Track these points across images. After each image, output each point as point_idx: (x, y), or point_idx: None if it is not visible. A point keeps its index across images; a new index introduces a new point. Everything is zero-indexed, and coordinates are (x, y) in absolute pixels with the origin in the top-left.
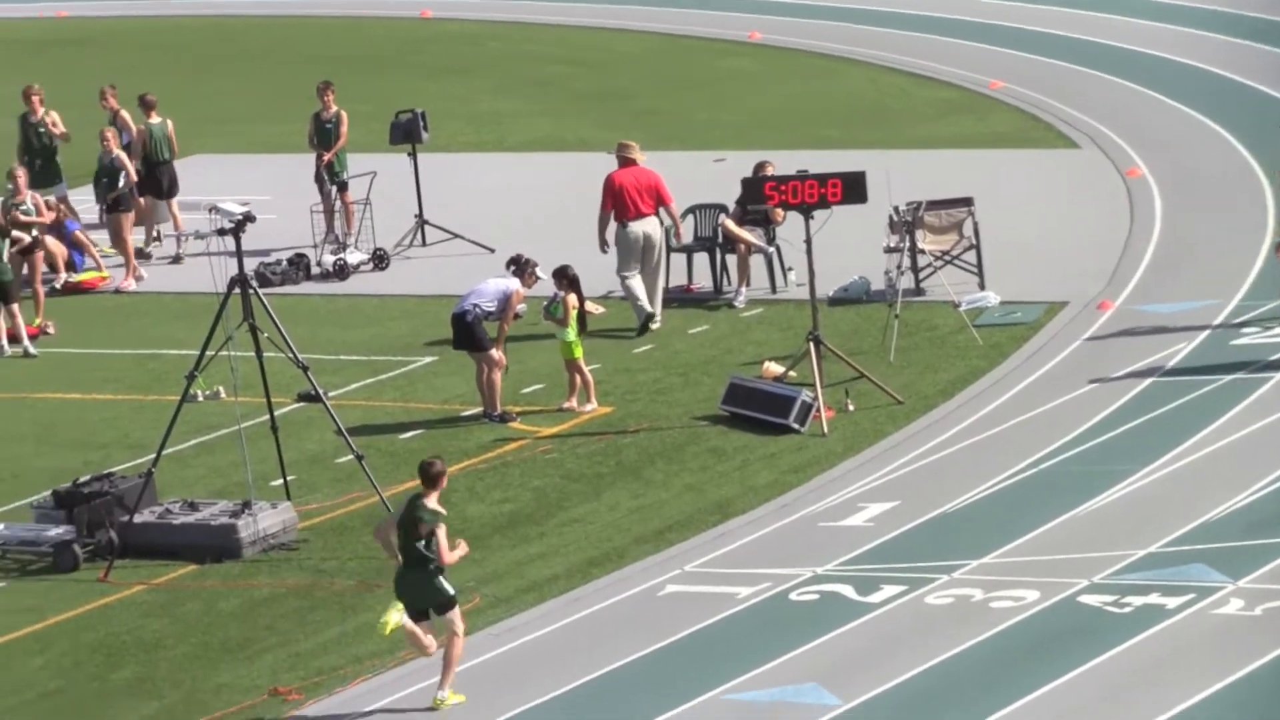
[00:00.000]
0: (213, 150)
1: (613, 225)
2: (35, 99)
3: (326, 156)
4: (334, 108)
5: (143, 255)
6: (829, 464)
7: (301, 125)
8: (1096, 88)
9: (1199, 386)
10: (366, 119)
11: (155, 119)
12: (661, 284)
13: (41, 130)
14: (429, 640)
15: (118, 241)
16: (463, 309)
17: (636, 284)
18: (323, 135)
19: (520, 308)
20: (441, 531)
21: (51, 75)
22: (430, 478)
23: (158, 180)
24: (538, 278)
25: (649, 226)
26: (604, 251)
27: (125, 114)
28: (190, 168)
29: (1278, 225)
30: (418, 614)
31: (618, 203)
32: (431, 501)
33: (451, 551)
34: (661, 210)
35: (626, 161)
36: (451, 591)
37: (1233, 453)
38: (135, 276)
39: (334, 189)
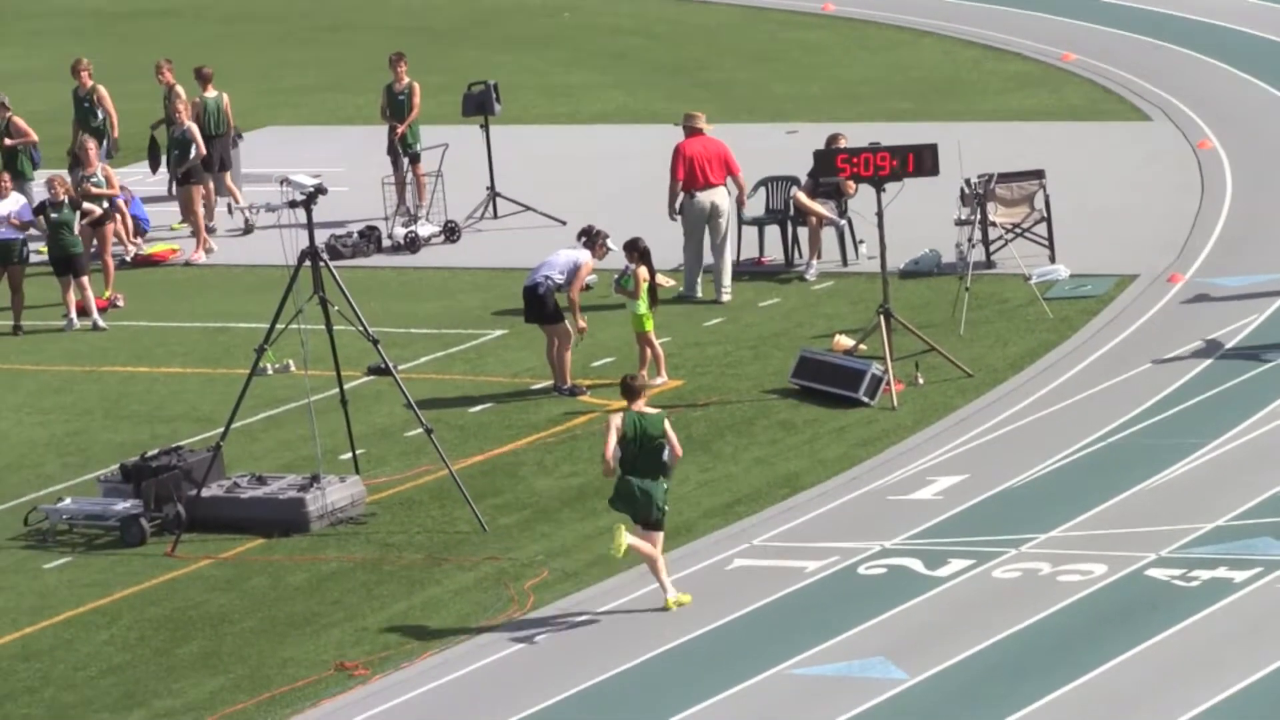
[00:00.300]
0: (286, 122)
1: (681, 195)
2: (84, 73)
3: (400, 129)
4: (406, 79)
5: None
6: (898, 437)
7: (374, 98)
8: (1168, 60)
9: (1267, 360)
10: (439, 91)
11: (211, 93)
12: (730, 255)
13: (87, 105)
14: (652, 549)
15: (188, 214)
16: (534, 281)
17: (694, 261)
18: (395, 107)
19: (591, 279)
20: (669, 427)
21: (129, 46)
22: (633, 391)
23: (210, 155)
24: (609, 249)
25: (717, 196)
26: (674, 219)
27: (180, 89)
28: (263, 140)
29: None
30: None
31: (687, 172)
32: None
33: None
34: (729, 180)
35: (693, 131)
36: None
37: None
38: (205, 249)
39: (406, 161)
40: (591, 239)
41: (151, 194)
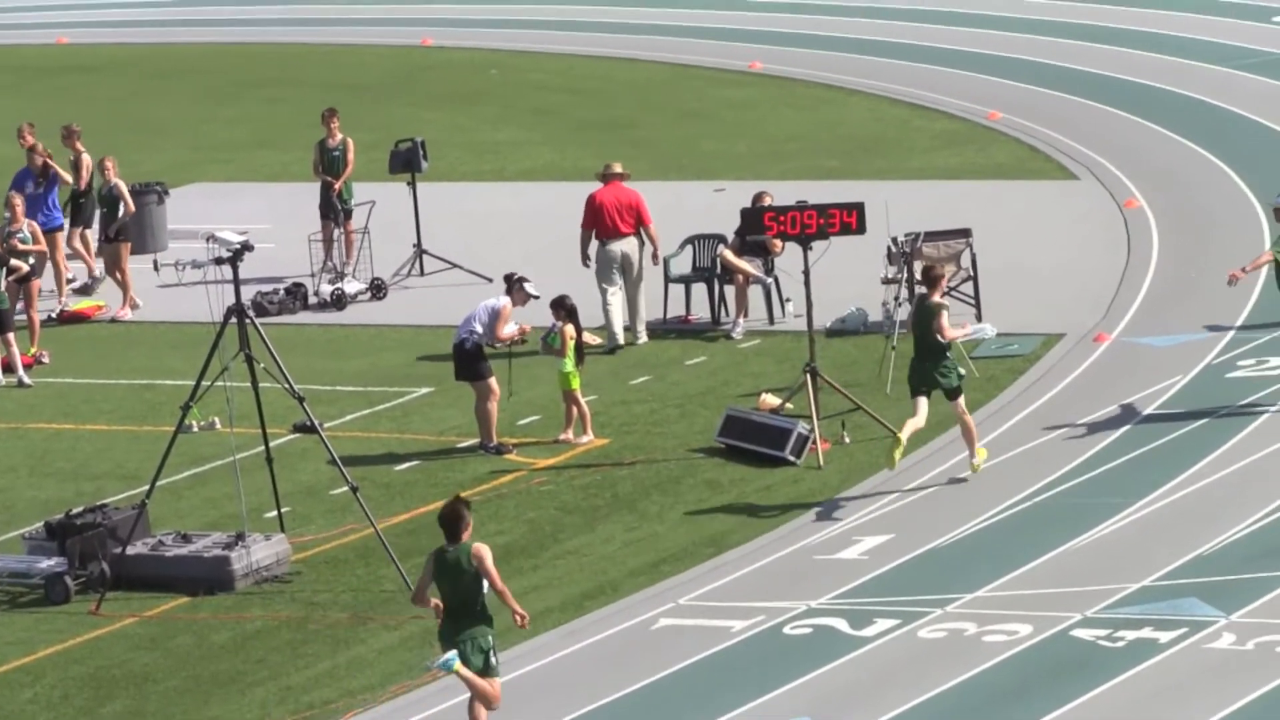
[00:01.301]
0: (213, 178)
1: (595, 245)
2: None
3: (336, 185)
4: (340, 135)
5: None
6: (824, 496)
7: (301, 154)
8: (1095, 119)
9: (1193, 420)
10: (367, 148)
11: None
12: (644, 303)
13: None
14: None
15: (115, 270)
16: (459, 337)
17: (615, 308)
18: (329, 163)
19: (511, 328)
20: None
21: (54, 102)
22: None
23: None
24: (529, 294)
25: (627, 246)
26: (586, 266)
27: (86, 156)
28: (190, 196)
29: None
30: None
31: (597, 221)
32: None
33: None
34: (642, 231)
35: (610, 179)
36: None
37: (1226, 486)
38: (131, 305)
39: (339, 217)
40: (510, 284)
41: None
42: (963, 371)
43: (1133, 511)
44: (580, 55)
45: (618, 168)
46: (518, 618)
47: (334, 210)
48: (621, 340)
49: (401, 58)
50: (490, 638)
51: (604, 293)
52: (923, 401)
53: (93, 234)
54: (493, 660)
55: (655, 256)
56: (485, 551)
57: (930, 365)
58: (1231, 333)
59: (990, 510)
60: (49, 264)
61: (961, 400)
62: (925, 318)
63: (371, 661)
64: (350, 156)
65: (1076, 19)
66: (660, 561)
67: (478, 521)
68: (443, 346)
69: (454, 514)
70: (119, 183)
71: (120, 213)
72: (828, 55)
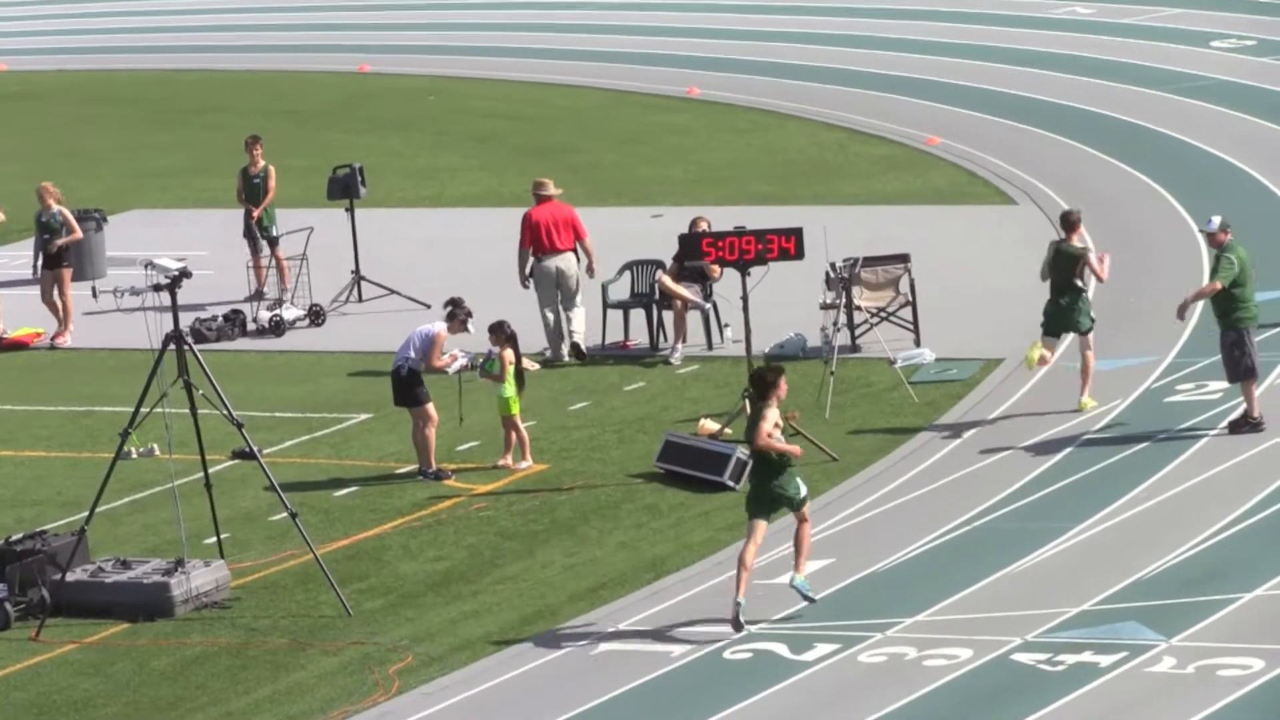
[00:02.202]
0: (150, 205)
1: (530, 261)
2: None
3: (256, 212)
4: (262, 163)
5: None
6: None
7: (235, 181)
8: (1033, 144)
9: (1132, 444)
10: (304, 174)
11: None
12: (581, 314)
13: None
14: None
15: (56, 296)
16: (396, 363)
17: (553, 322)
18: (250, 190)
19: (446, 358)
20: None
21: None
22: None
23: None
24: (467, 327)
25: (564, 262)
26: (525, 287)
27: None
28: (128, 222)
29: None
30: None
31: (535, 238)
32: None
33: None
34: (578, 246)
35: (542, 199)
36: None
37: (1166, 510)
38: (69, 332)
39: (264, 244)
40: (451, 311)
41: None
42: (1093, 315)
43: (1073, 535)
44: (518, 81)
45: (551, 186)
46: None
47: (255, 237)
48: (564, 355)
49: (340, 84)
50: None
51: (543, 307)
52: (1054, 343)
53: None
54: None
55: (591, 269)
56: None
57: (1068, 306)
58: (1170, 357)
59: (930, 534)
60: None
61: (1090, 338)
62: (1067, 262)
63: (311, 687)
64: (272, 184)
65: (1014, 44)
66: (600, 586)
67: (417, 547)
68: (382, 372)
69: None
70: (63, 209)
71: (64, 237)
72: (765, 81)
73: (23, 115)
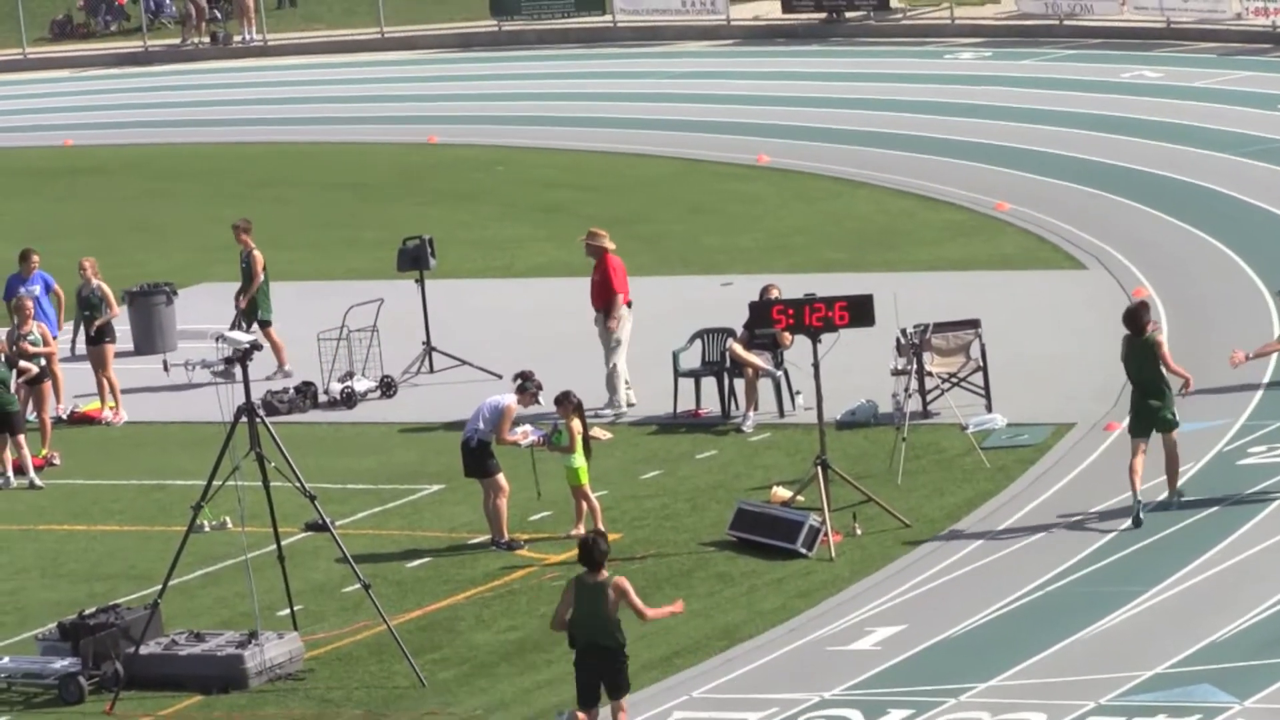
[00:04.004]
0: (219, 279)
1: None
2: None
3: (242, 301)
4: (247, 247)
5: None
6: (836, 588)
7: (307, 254)
8: (1102, 208)
9: (1205, 507)
10: (373, 246)
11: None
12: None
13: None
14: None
15: (102, 374)
16: (466, 435)
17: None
18: (242, 275)
19: (519, 432)
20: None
21: (61, 204)
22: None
23: None
24: (537, 398)
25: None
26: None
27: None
28: (197, 296)
29: None
30: None
31: (623, 283)
32: None
33: None
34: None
35: (601, 250)
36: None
37: (1238, 573)
38: (121, 409)
39: (256, 326)
40: (522, 384)
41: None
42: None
43: (1145, 599)
44: (586, 150)
45: (607, 239)
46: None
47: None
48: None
49: (407, 155)
50: None
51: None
52: (1143, 444)
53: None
54: None
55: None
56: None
57: (1156, 404)
58: (1243, 420)
59: (1003, 600)
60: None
61: (1176, 433)
62: (1147, 355)
63: None
64: (256, 269)
65: (1082, 108)
66: (673, 655)
67: (490, 617)
68: (453, 443)
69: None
70: (102, 284)
71: (104, 313)
72: (833, 148)
73: (91, 189)
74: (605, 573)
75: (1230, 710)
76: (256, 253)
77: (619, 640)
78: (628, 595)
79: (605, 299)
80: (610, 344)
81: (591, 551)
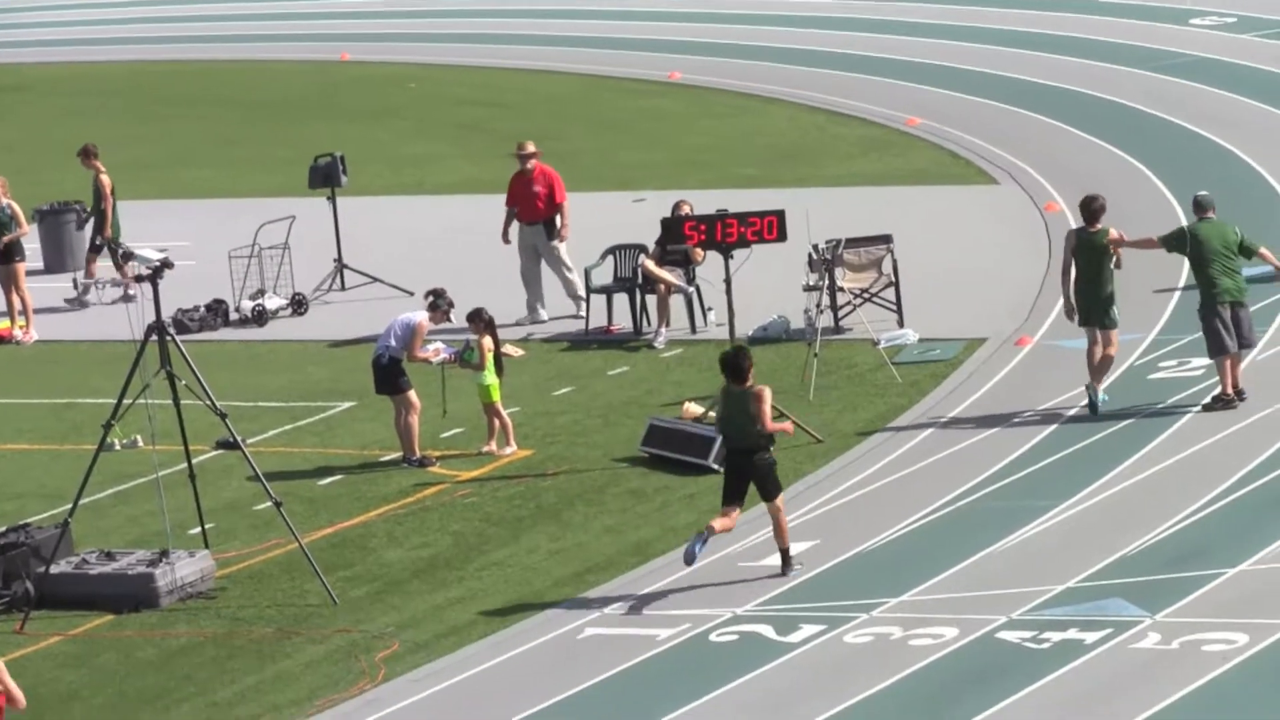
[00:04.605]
0: (130, 197)
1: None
2: None
3: (106, 230)
4: (96, 171)
5: None
6: (748, 503)
7: (219, 171)
8: (1014, 123)
9: (1116, 421)
10: (286, 164)
11: None
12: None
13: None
14: None
15: (13, 293)
16: (376, 352)
17: None
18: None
19: (430, 349)
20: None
21: None
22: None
23: None
24: (448, 316)
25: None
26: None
27: None
28: None
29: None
30: None
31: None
32: None
33: None
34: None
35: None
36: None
37: (1149, 487)
38: (31, 328)
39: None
40: (435, 302)
41: None
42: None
43: (1057, 514)
44: (498, 68)
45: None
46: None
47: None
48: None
49: (320, 73)
50: None
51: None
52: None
53: None
54: None
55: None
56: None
57: (1109, 297)
58: (1153, 334)
59: (914, 514)
60: None
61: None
62: (1100, 251)
63: (297, 675)
64: (105, 193)
65: (993, 24)
66: (585, 571)
67: (402, 534)
68: (365, 361)
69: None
70: (12, 203)
71: (13, 231)
72: (746, 65)
73: (5, 108)
74: (751, 382)
75: (1141, 624)
76: (104, 177)
77: (762, 444)
78: (761, 403)
79: (551, 209)
80: (562, 252)
81: (734, 365)
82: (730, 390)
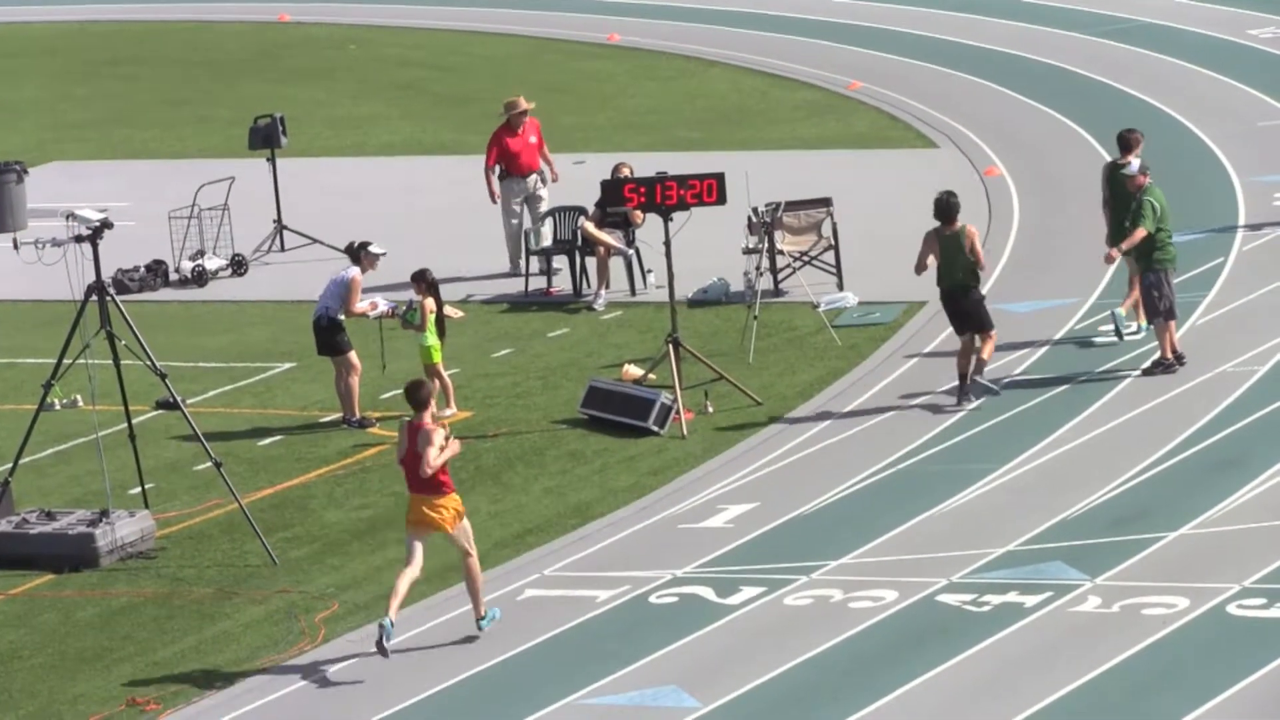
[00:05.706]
0: (70, 157)
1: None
2: None
3: None
4: None
5: None
6: (688, 466)
7: (159, 131)
8: (954, 87)
9: (1055, 385)
10: (225, 124)
11: None
12: None
13: None
14: None
15: None
16: (316, 313)
17: None
18: None
19: (366, 303)
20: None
21: None
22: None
23: None
24: (375, 262)
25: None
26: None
27: None
28: (48, 175)
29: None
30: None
31: None
32: None
33: None
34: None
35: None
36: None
37: (1089, 451)
38: None
39: None
40: (354, 253)
41: None
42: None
43: (997, 477)
44: (439, 30)
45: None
46: None
47: None
48: None
49: (259, 34)
50: None
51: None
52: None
53: None
54: None
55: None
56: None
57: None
58: (1093, 299)
59: (854, 477)
60: None
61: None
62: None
63: (237, 635)
64: None
65: None
66: (525, 533)
67: (342, 495)
68: (305, 322)
69: None
70: None
71: None
72: (686, 26)
73: None
74: (959, 224)
75: (1081, 587)
76: None
77: (973, 281)
78: (973, 239)
79: (541, 160)
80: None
81: (946, 206)
82: (941, 233)
